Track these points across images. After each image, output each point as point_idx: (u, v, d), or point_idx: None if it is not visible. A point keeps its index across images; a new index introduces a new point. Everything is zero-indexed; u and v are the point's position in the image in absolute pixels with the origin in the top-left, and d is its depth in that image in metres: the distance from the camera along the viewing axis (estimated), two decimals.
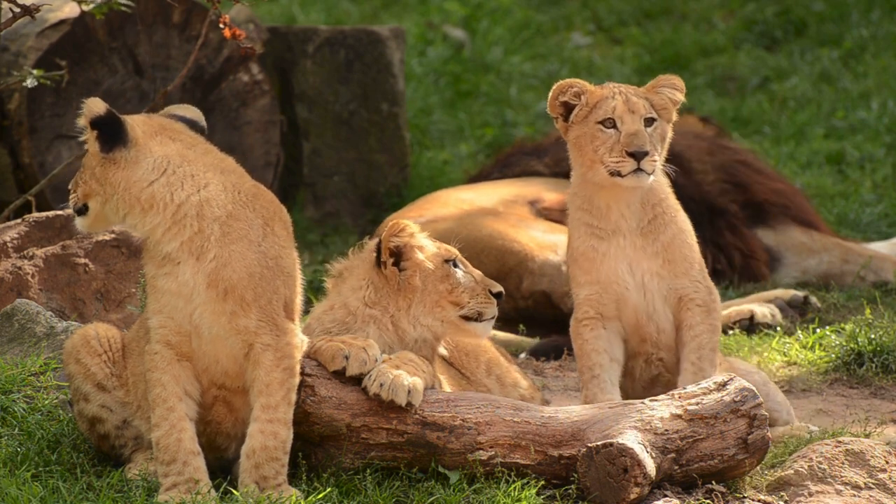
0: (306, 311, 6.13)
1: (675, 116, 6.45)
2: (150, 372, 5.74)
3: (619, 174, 6.32)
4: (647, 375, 6.52)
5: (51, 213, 7.80)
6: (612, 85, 6.42)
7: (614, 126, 6.33)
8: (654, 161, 6.32)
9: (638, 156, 6.30)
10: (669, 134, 6.43)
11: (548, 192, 9.46)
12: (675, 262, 6.43)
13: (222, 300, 5.69)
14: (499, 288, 6.10)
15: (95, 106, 5.73)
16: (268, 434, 5.73)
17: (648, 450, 5.77)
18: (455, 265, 6.14)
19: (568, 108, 6.41)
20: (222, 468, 5.90)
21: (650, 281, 6.40)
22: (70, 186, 5.86)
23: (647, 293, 6.42)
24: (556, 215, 9.29)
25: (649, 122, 6.36)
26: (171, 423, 5.71)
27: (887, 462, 6.02)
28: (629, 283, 6.40)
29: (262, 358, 5.73)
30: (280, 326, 5.73)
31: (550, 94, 6.40)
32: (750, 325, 8.84)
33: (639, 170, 6.30)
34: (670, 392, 6.03)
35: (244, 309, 5.70)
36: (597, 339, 6.43)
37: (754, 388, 6.03)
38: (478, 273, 6.15)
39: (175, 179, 5.72)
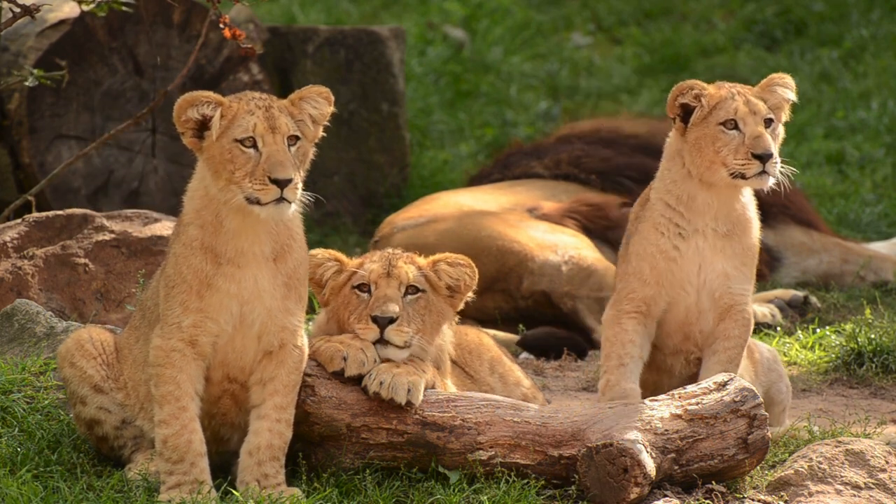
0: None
1: (786, 116, 6.45)
2: (161, 367, 5.72)
3: (742, 176, 6.32)
4: (686, 373, 6.54)
5: (51, 213, 7.79)
6: (728, 85, 6.40)
7: (736, 127, 6.33)
8: (777, 164, 6.32)
9: (764, 158, 6.29)
10: (782, 134, 6.44)
11: (546, 200, 9.46)
12: (748, 266, 6.47)
13: (286, 297, 5.73)
14: (376, 312, 5.90)
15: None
16: (275, 433, 5.75)
17: (648, 450, 5.78)
18: (364, 290, 5.99)
19: (686, 110, 6.40)
20: (222, 463, 5.90)
21: (713, 281, 6.42)
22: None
23: (704, 294, 6.43)
24: (554, 222, 9.29)
25: (768, 122, 6.35)
26: (182, 424, 5.70)
27: (887, 462, 6.03)
28: (693, 283, 6.41)
29: (288, 358, 5.77)
30: (302, 329, 5.78)
31: (669, 95, 6.38)
32: None
33: (763, 172, 6.31)
34: (670, 392, 6.03)
35: (297, 305, 5.76)
36: (636, 332, 6.45)
37: (754, 388, 6.03)
38: (380, 294, 5.95)
39: None
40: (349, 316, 5.99)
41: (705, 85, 6.38)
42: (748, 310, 6.47)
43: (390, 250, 6.13)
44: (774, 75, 6.47)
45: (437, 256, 6.14)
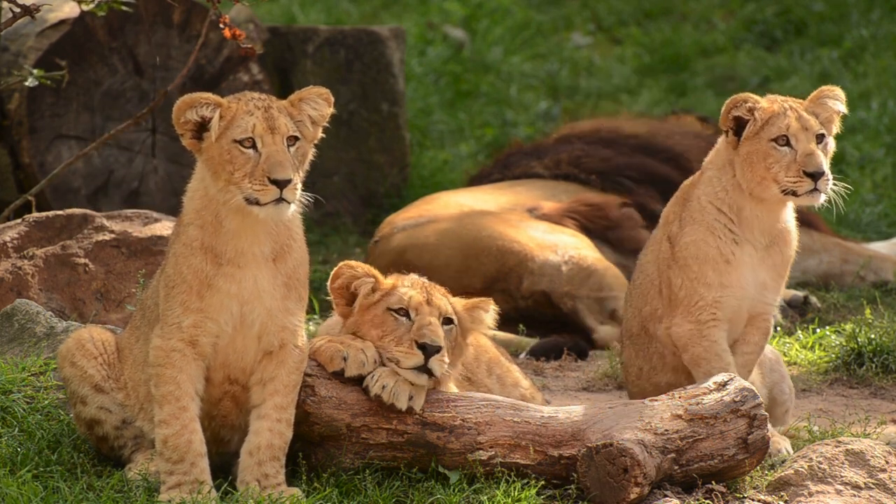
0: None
1: (837, 128, 6.45)
2: (161, 367, 5.72)
3: (793, 193, 6.33)
4: None
5: (51, 213, 7.79)
6: (781, 100, 6.39)
7: (788, 144, 6.32)
8: (829, 181, 6.31)
9: (816, 176, 6.29)
10: (833, 147, 6.43)
11: (546, 200, 9.45)
12: (782, 279, 6.51)
13: (286, 298, 5.73)
14: (426, 339, 5.83)
15: None
16: (275, 433, 5.74)
17: (648, 450, 5.77)
18: (401, 314, 5.92)
19: (739, 123, 6.40)
20: (222, 464, 5.90)
21: (756, 291, 6.43)
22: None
23: (750, 302, 6.44)
24: (554, 222, 9.28)
25: (820, 138, 6.35)
26: (182, 424, 5.70)
27: (887, 462, 6.02)
28: (750, 291, 6.42)
29: (288, 358, 5.76)
30: (303, 330, 5.77)
31: (723, 108, 6.39)
32: None
33: (815, 190, 6.31)
34: (670, 392, 6.03)
35: (297, 305, 5.76)
36: (723, 339, 6.45)
37: (754, 388, 6.03)
38: (425, 321, 5.88)
39: None
40: (384, 337, 5.90)
41: (758, 98, 6.38)
42: (771, 319, 6.50)
43: (418, 278, 6.08)
44: (824, 88, 6.47)
45: (477, 302, 6.11)
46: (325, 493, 5.73)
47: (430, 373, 5.84)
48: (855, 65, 14.20)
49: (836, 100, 6.43)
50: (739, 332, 6.50)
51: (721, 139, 6.50)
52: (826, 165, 6.31)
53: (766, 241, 6.44)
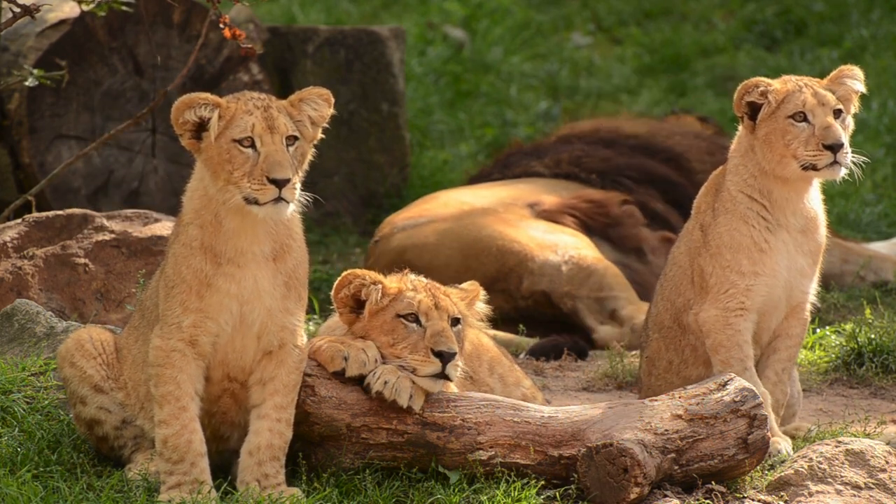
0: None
1: (855, 108, 6.45)
2: (161, 367, 5.72)
3: (813, 168, 6.34)
4: None
5: (51, 213, 7.79)
6: (795, 78, 6.42)
7: (805, 119, 6.34)
8: (848, 154, 6.31)
9: (835, 148, 6.29)
10: (852, 125, 6.44)
11: (547, 195, 9.45)
12: (817, 265, 6.51)
13: (285, 297, 5.72)
14: (442, 347, 5.83)
15: None
16: (275, 433, 5.75)
17: (648, 450, 5.77)
18: (411, 320, 5.93)
19: (753, 108, 6.41)
20: (222, 463, 5.90)
21: (793, 278, 6.43)
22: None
23: (786, 290, 6.44)
24: (555, 218, 9.28)
25: (837, 113, 6.36)
26: (182, 423, 5.70)
27: (887, 462, 6.02)
28: (783, 279, 6.42)
29: (287, 358, 5.76)
30: (302, 329, 5.77)
31: (735, 95, 6.40)
32: None
33: (835, 163, 6.31)
34: (671, 392, 6.03)
35: (296, 305, 5.76)
36: (747, 330, 6.44)
37: (754, 388, 6.03)
38: (438, 328, 5.89)
39: None
40: (395, 344, 5.90)
41: (770, 81, 6.39)
42: (808, 310, 6.50)
43: (416, 277, 6.08)
44: (843, 67, 6.50)
45: (472, 296, 6.12)
46: (325, 493, 5.73)
47: (446, 378, 5.87)
48: (855, 65, 14.19)
49: (855, 79, 6.45)
50: (777, 325, 6.48)
51: (740, 129, 6.51)
52: (845, 138, 6.31)
53: (800, 223, 6.45)
